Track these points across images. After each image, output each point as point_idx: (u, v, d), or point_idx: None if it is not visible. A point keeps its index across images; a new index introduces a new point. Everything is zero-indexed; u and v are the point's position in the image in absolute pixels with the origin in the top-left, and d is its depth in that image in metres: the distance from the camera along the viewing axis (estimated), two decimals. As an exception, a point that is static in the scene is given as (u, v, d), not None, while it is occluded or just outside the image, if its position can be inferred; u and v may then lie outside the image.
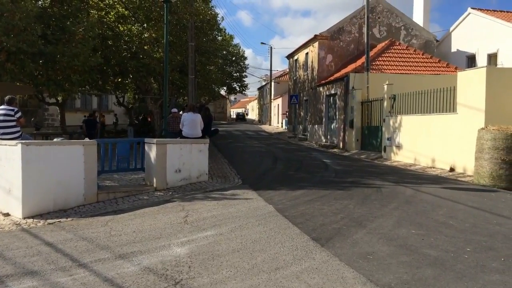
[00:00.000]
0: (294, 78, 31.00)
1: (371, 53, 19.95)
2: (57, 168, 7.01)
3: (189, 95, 19.47)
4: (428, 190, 8.83)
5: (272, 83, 48.09)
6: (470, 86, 11.12)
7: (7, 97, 8.14)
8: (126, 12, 17.91)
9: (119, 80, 20.18)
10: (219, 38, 30.54)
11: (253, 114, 76.12)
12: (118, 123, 29.81)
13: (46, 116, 28.02)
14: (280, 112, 43.96)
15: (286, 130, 34.98)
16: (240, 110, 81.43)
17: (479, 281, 3.95)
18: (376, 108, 17.17)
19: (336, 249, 4.81)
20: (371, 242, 5.10)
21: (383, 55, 21.13)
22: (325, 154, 17.98)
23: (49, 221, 6.43)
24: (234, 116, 73.64)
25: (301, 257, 4.57)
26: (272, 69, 49.18)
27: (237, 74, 47.48)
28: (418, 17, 25.76)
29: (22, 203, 6.58)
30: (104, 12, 17.51)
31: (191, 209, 7.02)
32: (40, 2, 13.26)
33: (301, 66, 28.52)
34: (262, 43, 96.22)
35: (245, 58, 47.22)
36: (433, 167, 12.65)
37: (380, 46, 22.56)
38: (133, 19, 18.08)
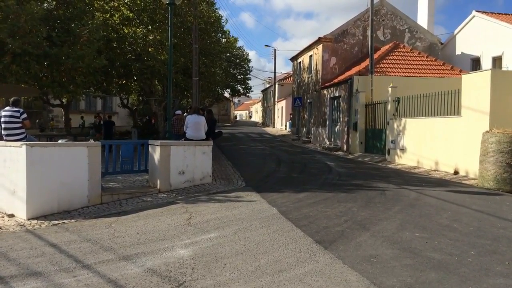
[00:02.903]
0: (298, 80, 31.00)
1: (375, 56, 19.93)
2: (61, 170, 7.04)
3: (193, 97, 19.50)
4: (432, 193, 8.79)
5: (276, 86, 48.09)
6: (475, 89, 11.09)
7: (12, 99, 8.19)
8: (130, 14, 18.00)
9: (124, 82, 20.26)
10: (223, 40, 30.56)
11: (256, 116, 76.25)
12: (85, 126, 26.07)
13: (51, 117, 28.18)
14: (284, 115, 43.97)
15: (289, 133, 34.97)
16: (239, 112, 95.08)
17: (483, 284, 3.93)
18: (380, 111, 17.14)
19: (339, 252, 4.80)
20: (375, 245, 5.08)
21: (387, 57, 21.10)
22: (328, 156, 17.96)
23: (53, 222, 6.45)
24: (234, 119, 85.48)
25: (304, 259, 4.56)
26: (276, 71, 49.24)
27: (241, 76, 47.53)
28: (422, 19, 25.70)
29: (27, 204, 6.61)
30: (108, 15, 17.61)
31: (194, 211, 7.03)
32: (45, 4, 13.35)
33: (305, 69, 28.51)
34: (266, 45, 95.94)
35: (249, 61, 47.23)
36: (437, 170, 12.61)
37: (384, 48, 22.54)
38: (138, 21, 18.16)
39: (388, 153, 15.71)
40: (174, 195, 8.61)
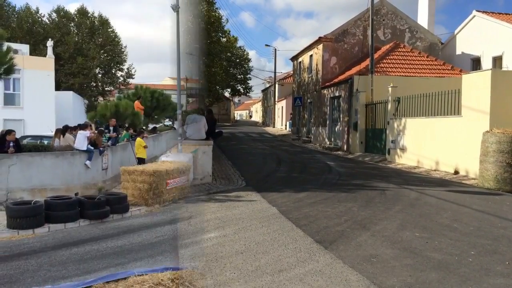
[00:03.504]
0: (298, 80, 30.99)
1: (376, 56, 19.91)
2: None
3: (193, 97, 19.49)
4: (432, 193, 8.79)
5: (276, 85, 48.05)
6: (475, 89, 11.08)
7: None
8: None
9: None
10: (223, 39, 30.54)
11: (257, 116, 76.19)
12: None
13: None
14: (284, 114, 43.92)
15: (290, 132, 34.95)
16: (239, 112, 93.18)
17: (483, 284, 3.93)
18: (380, 111, 17.14)
19: (339, 252, 4.80)
20: (375, 245, 5.08)
21: (387, 57, 21.09)
22: (329, 156, 17.95)
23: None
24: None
25: (304, 259, 4.56)
26: (276, 71, 49.13)
27: (241, 76, 47.44)
28: (423, 19, 25.68)
29: None
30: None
31: (194, 211, 7.03)
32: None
33: (305, 68, 28.50)
34: (266, 45, 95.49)
35: (249, 60, 47.13)
36: (437, 170, 12.60)
37: (384, 48, 22.52)
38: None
39: (388, 153, 15.70)
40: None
